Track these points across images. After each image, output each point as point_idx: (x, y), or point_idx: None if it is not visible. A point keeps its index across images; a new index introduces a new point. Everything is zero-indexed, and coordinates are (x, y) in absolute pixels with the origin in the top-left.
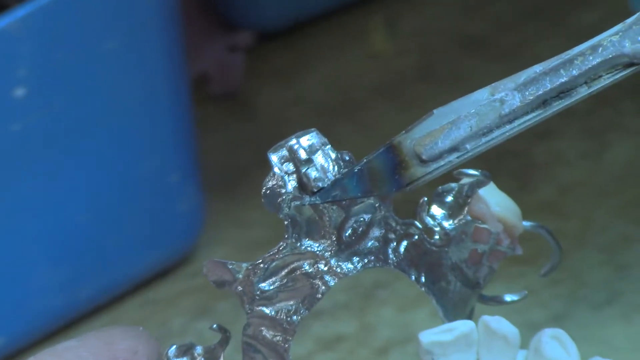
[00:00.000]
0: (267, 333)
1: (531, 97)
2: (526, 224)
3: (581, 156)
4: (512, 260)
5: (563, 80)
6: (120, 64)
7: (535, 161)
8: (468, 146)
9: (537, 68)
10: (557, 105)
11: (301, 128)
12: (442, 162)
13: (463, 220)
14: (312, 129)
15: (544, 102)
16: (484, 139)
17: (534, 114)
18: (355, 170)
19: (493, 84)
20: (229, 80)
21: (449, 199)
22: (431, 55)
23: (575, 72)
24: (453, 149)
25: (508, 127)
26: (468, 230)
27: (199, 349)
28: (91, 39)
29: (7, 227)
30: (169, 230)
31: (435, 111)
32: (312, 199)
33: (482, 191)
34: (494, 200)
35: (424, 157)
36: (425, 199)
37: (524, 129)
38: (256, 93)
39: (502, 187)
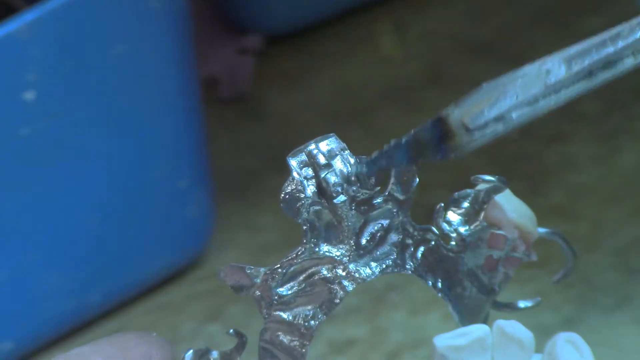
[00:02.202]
0: (284, 338)
1: (577, 68)
2: (541, 230)
3: (592, 160)
4: (523, 264)
5: (609, 51)
6: (129, 67)
7: (547, 165)
8: (514, 115)
9: (584, 43)
10: (603, 76)
11: (310, 131)
12: (487, 131)
13: (479, 227)
14: (331, 134)
15: (589, 72)
16: (529, 108)
17: (579, 85)
18: (403, 142)
19: (541, 58)
20: (238, 83)
21: (465, 204)
22: (440, 60)
23: (621, 44)
24: (499, 118)
25: (554, 96)
26: (484, 236)
27: (215, 354)
28: (101, 43)
29: (16, 232)
30: (179, 234)
31: (484, 85)
32: (359, 168)
33: (498, 197)
34: (510, 207)
35: (470, 126)
36: (442, 204)
37: (569, 99)
38: (265, 96)
39: (513, 190)
